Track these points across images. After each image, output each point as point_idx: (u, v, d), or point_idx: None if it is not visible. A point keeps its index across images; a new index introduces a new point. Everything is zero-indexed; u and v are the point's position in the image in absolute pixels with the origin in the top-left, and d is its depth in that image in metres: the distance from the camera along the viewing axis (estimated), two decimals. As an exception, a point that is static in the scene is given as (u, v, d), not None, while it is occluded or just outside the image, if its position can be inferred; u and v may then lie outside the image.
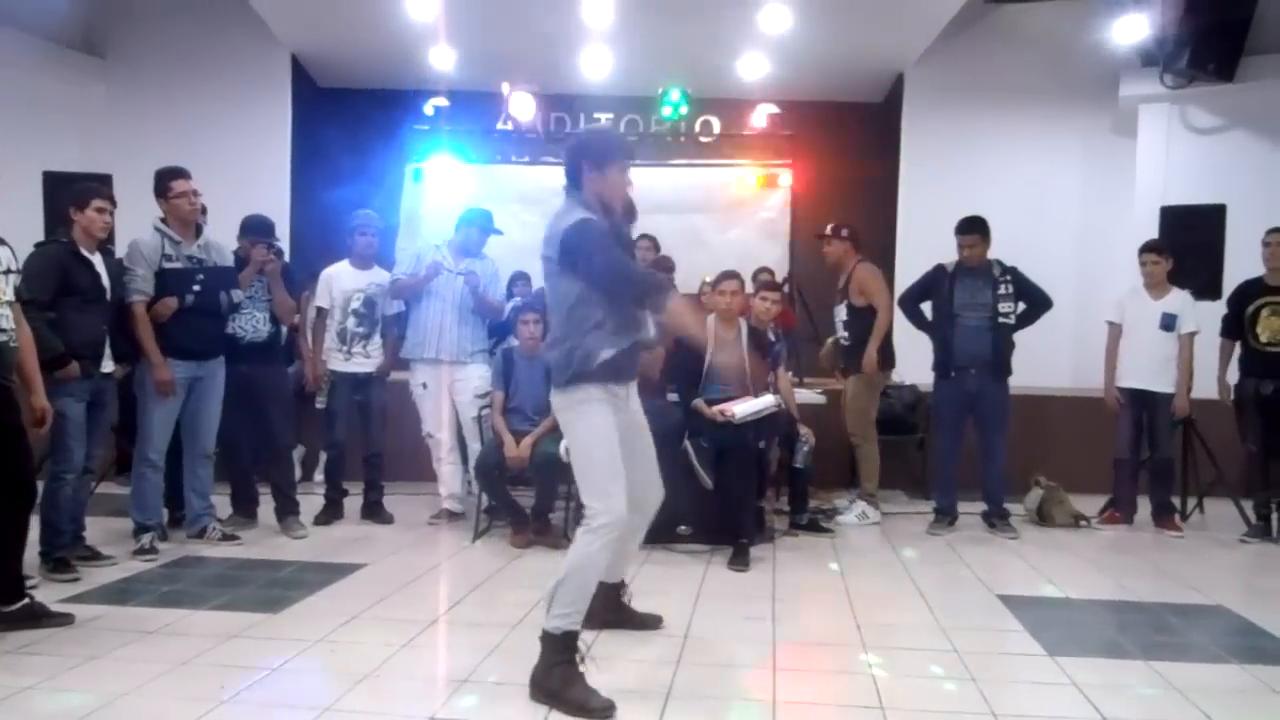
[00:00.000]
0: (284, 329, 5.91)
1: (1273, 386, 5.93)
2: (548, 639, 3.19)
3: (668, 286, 3.43)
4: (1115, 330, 6.38)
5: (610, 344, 3.29)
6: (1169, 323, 6.15)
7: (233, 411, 5.53)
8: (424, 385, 6.06)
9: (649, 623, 3.95)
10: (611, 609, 3.80)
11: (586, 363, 3.27)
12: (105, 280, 4.78)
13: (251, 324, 5.63)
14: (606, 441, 3.29)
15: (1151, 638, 4.05)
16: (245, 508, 5.82)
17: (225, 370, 5.44)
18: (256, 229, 5.71)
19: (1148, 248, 6.33)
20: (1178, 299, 6.22)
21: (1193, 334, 6.16)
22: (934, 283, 6.17)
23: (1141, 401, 6.23)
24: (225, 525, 5.48)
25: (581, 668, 3.17)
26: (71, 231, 4.69)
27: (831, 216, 8.54)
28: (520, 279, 7.16)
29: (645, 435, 3.58)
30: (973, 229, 6.05)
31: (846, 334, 6.42)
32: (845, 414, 6.46)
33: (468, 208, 6.25)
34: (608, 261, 3.25)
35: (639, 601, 3.98)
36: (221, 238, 5.49)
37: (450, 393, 6.04)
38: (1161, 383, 6.17)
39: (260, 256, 5.52)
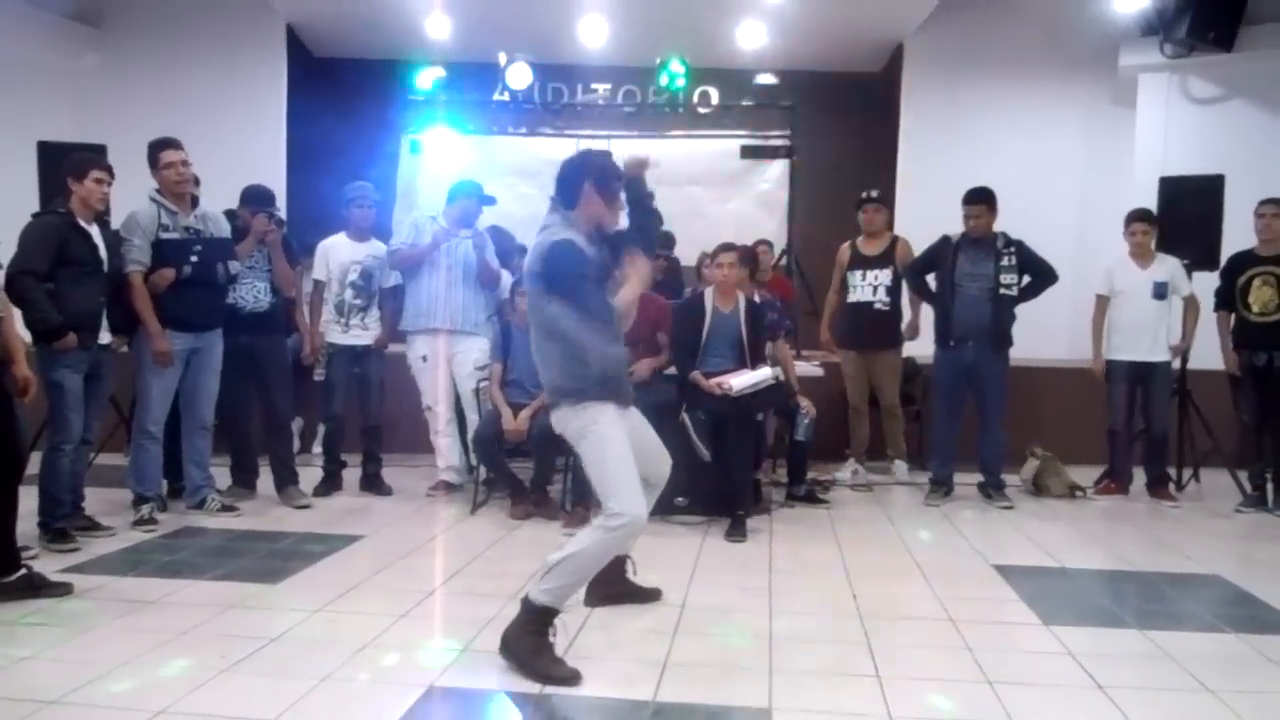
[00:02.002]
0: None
1: (1265, 357, 5.93)
2: (528, 605, 3.22)
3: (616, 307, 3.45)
4: (1103, 303, 6.36)
5: (599, 360, 3.33)
6: (1161, 291, 6.15)
7: (234, 382, 5.53)
8: (424, 358, 6.06)
9: (648, 595, 3.97)
10: (612, 582, 3.81)
11: (585, 378, 3.31)
12: (103, 251, 4.75)
13: (252, 294, 5.61)
14: (618, 448, 3.31)
15: (1146, 607, 4.08)
16: (245, 479, 5.84)
17: (226, 341, 5.44)
18: (257, 199, 5.68)
19: (1138, 216, 6.29)
20: (1167, 266, 6.21)
21: (1193, 294, 6.20)
22: (938, 254, 6.16)
23: (1136, 373, 6.23)
24: (224, 496, 5.48)
25: (552, 639, 3.21)
26: (69, 202, 4.65)
27: (830, 187, 8.51)
28: (518, 252, 7.13)
29: (648, 427, 3.64)
30: (979, 199, 6.03)
31: (888, 299, 6.52)
32: (885, 386, 6.63)
33: (460, 179, 6.22)
34: (572, 288, 3.31)
35: (637, 572, 3.99)
36: (216, 208, 5.45)
37: (450, 365, 6.04)
38: (1156, 353, 6.17)
39: (261, 226, 5.50)
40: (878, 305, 6.55)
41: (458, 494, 6.04)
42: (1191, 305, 6.22)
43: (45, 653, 3.28)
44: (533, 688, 3.07)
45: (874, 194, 6.78)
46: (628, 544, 3.45)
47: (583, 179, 3.43)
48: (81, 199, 4.65)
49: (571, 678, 3.10)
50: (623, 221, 3.58)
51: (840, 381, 6.88)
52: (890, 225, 6.88)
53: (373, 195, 6.19)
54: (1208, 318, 6.27)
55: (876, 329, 6.58)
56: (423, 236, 5.97)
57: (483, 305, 6.08)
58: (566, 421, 3.39)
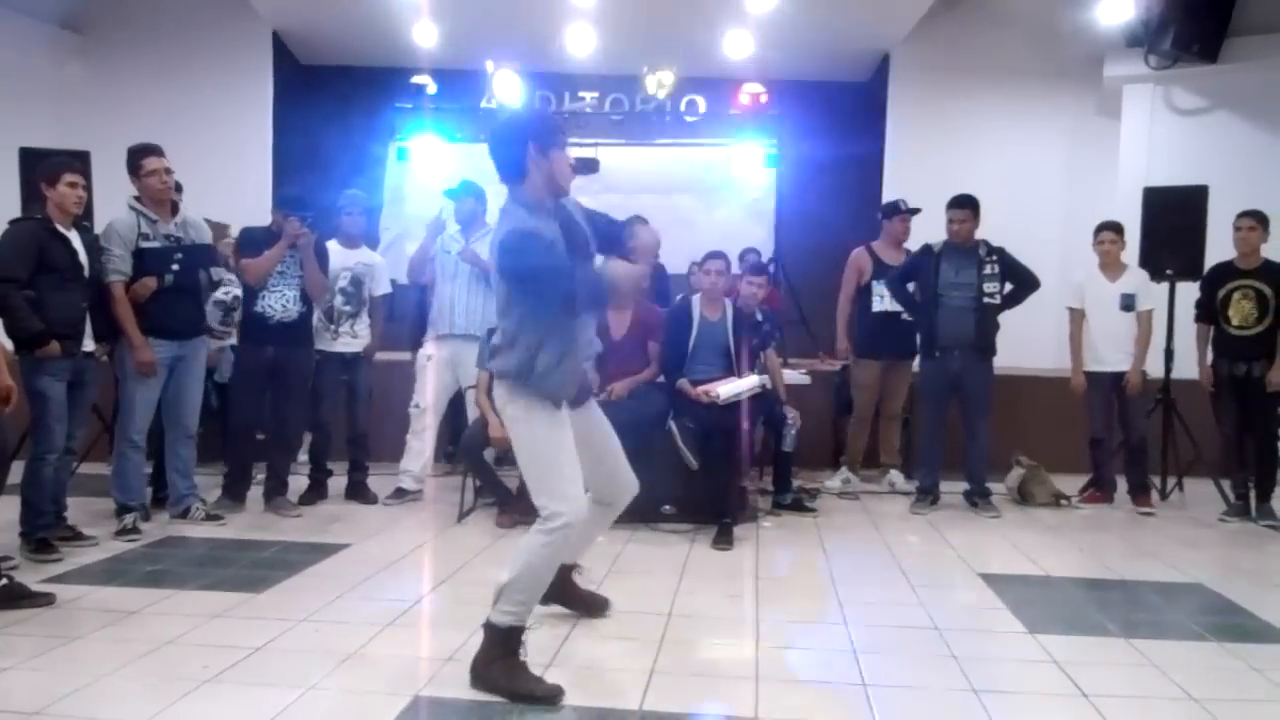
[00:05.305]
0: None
1: (1245, 369, 5.96)
2: (492, 630, 3.13)
3: (604, 286, 3.15)
4: (1077, 315, 6.37)
5: (556, 366, 3.12)
6: (1128, 303, 6.17)
7: (251, 395, 5.50)
8: (429, 357, 6.03)
9: (597, 604, 3.85)
10: (560, 586, 3.68)
11: (538, 377, 3.10)
12: (83, 257, 4.70)
13: (281, 302, 5.51)
14: (555, 440, 3.13)
15: (1131, 615, 4.09)
16: (237, 492, 5.69)
17: (250, 351, 5.40)
18: (289, 201, 5.59)
19: (1107, 226, 6.31)
20: (1134, 278, 6.24)
21: (1150, 311, 6.19)
22: (920, 263, 6.18)
23: (1109, 382, 6.24)
24: (211, 507, 5.43)
25: (524, 657, 3.13)
26: (46, 208, 4.61)
27: (817, 196, 8.53)
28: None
29: (610, 433, 3.46)
30: (964, 204, 6.06)
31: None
32: (898, 394, 6.63)
33: (460, 181, 6.18)
34: (546, 281, 3.04)
35: (623, 581, 3.99)
36: (197, 215, 5.42)
37: (455, 370, 5.99)
38: (1125, 363, 6.18)
39: (293, 230, 5.39)
40: (905, 316, 6.51)
41: (419, 502, 6.01)
42: (1143, 323, 6.18)
43: (26, 664, 3.25)
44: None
45: (906, 204, 6.71)
46: (574, 542, 3.26)
47: (525, 142, 3.11)
48: (56, 204, 4.59)
49: (555, 694, 3.02)
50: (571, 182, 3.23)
51: (827, 390, 6.88)
52: None
53: (362, 203, 6.19)
54: (1182, 337, 6.28)
55: (903, 339, 6.54)
56: (437, 244, 5.99)
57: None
58: (504, 401, 3.18)
